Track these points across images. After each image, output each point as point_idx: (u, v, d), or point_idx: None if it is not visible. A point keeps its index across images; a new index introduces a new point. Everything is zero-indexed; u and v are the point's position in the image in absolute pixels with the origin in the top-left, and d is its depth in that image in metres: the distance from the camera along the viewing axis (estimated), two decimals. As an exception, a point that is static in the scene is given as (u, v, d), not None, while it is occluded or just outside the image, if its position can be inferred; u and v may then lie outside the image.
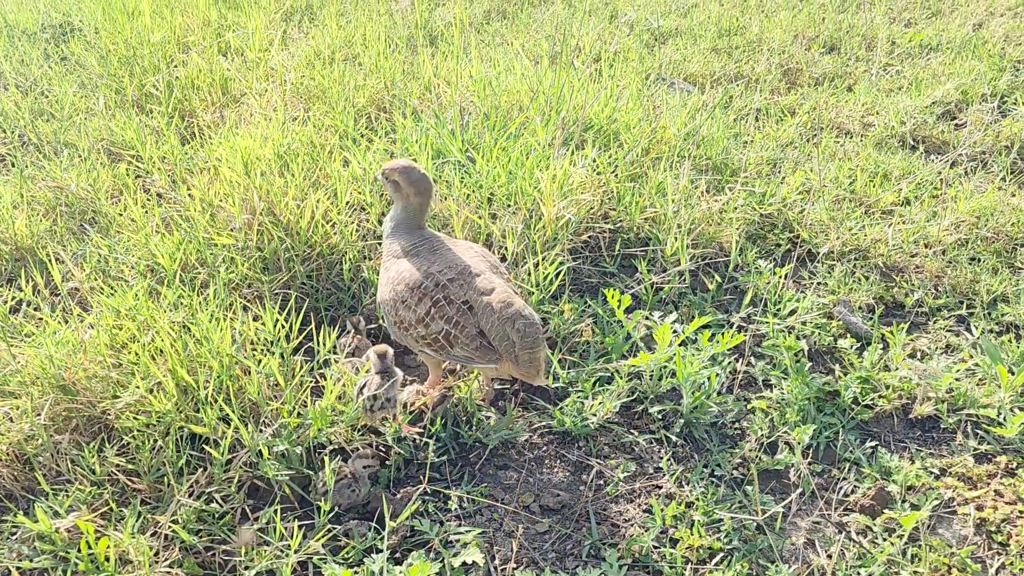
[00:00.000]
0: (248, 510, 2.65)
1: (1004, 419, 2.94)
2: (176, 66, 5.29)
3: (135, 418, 2.68)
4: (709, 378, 3.00)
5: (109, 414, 2.78)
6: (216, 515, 2.59)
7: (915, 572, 2.49)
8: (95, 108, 4.94)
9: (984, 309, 3.59)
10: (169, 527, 2.47)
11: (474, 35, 5.34)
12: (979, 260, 3.85)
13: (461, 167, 3.94)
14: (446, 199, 3.73)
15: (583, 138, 4.17)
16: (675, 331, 3.13)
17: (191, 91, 5.09)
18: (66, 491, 2.57)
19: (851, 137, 5.02)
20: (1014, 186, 4.43)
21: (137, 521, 2.48)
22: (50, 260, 3.31)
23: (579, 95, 4.21)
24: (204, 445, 2.74)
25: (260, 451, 2.67)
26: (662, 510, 2.66)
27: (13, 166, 4.26)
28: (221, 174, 3.66)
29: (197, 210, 3.56)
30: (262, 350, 3.01)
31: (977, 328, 3.44)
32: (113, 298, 2.99)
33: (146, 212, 3.69)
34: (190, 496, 2.60)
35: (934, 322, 3.55)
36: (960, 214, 4.05)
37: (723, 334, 3.02)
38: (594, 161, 3.89)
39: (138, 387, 2.70)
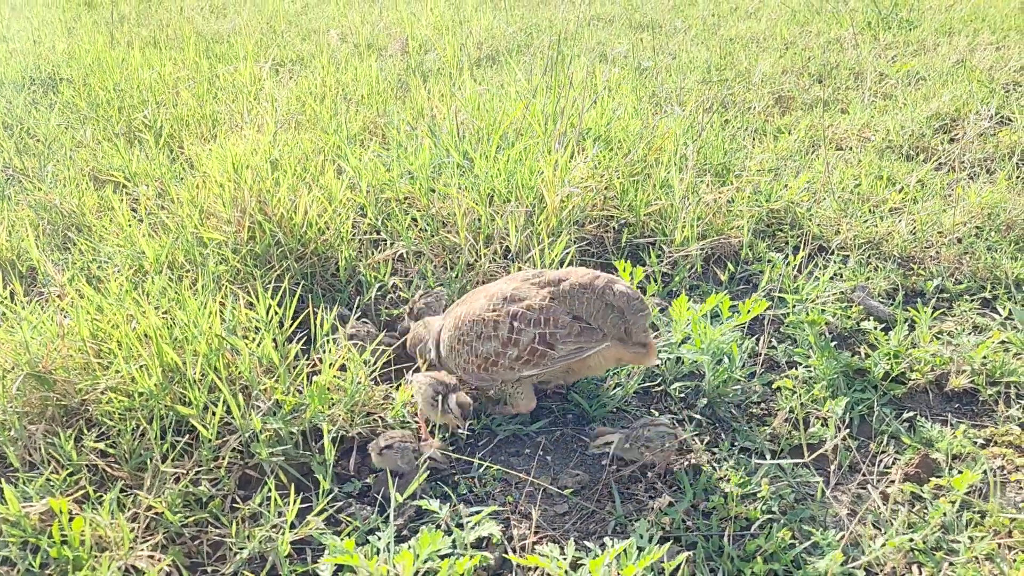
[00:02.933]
0: (239, 499, 2.41)
1: (1047, 386, 2.76)
2: (165, 106, 5.24)
3: (117, 400, 2.46)
4: (732, 351, 2.82)
5: (87, 403, 2.57)
6: (204, 498, 2.35)
7: (971, 537, 2.27)
8: (83, 140, 4.85)
9: (1008, 292, 3.44)
10: (151, 509, 2.23)
11: (467, 71, 5.32)
12: (996, 249, 3.73)
13: (460, 170, 3.83)
14: (447, 199, 3.61)
15: (582, 144, 4.09)
16: (691, 308, 2.97)
17: (180, 126, 5.02)
18: (39, 475, 2.34)
19: (851, 151, 4.96)
20: (1020, 185, 4.35)
21: (116, 504, 2.24)
22: (37, 264, 3.15)
23: (577, 103, 4.15)
24: (190, 432, 2.52)
25: (252, 434, 2.45)
26: (692, 484, 2.44)
27: (-5, 189, 4.14)
28: (211, 178, 3.54)
29: (186, 213, 3.42)
30: (254, 336, 2.82)
31: (1004, 309, 3.29)
32: (96, 294, 2.81)
33: (134, 217, 3.54)
34: (176, 482, 2.37)
35: (958, 306, 3.39)
36: (972, 206, 3.95)
37: (744, 302, 2.85)
38: (595, 157, 3.79)
39: (119, 371, 2.50)
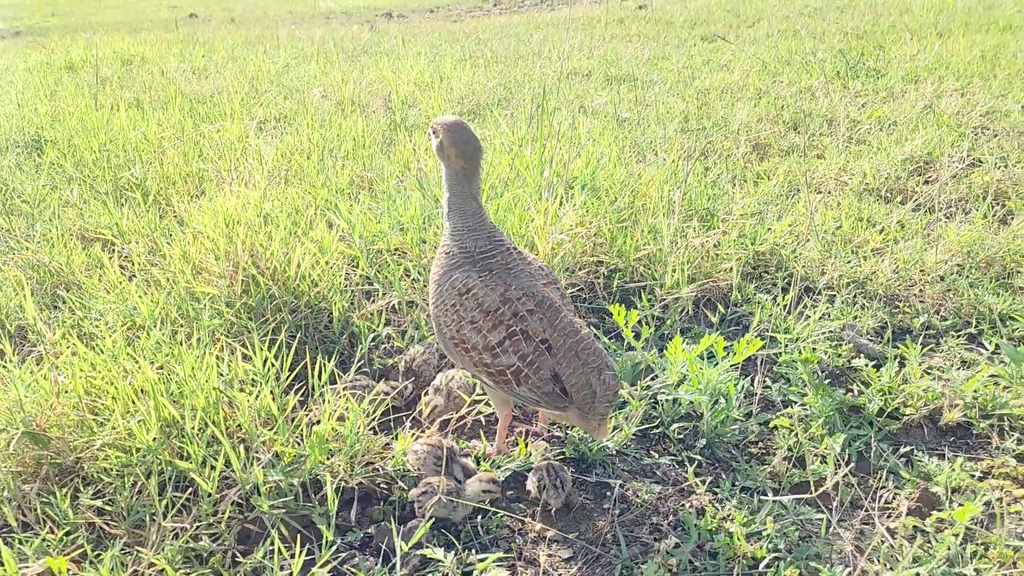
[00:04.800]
0: (240, 554, 2.37)
1: (1038, 417, 2.81)
2: (152, 164, 5.27)
3: (114, 456, 2.43)
4: (728, 390, 2.84)
5: (82, 461, 2.54)
6: (205, 554, 2.31)
7: (977, 569, 2.27)
8: (69, 199, 4.85)
9: (993, 327, 3.51)
10: (153, 566, 2.19)
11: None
12: (978, 285, 3.80)
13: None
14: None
15: (570, 192, 4.15)
16: (686, 349, 3.00)
17: (167, 184, 5.05)
18: (35, 536, 2.29)
19: (830, 194, 5.07)
20: (996, 223, 4.46)
21: (117, 563, 2.20)
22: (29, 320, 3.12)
23: (562, 153, 4.23)
24: (189, 487, 2.49)
25: (252, 487, 2.42)
26: (696, 524, 2.44)
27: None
28: (202, 234, 3.55)
29: (178, 268, 3.42)
30: (251, 389, 2.81)
31: (990, 344, 3.35)
32: (89, 351, 2.79)
33: (124, 274, 3.54)
34: (175, 538, 2.33)
35: (945, 341, 3.45)
36: (951, 245, 4.04)
37: (738, 342, 2.88)
38: (583, 205, 3.85)
39: (115, 427, 2.47)
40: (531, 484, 2.55)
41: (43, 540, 2.27)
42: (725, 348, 3.02)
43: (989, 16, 12.01)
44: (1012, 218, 4.54)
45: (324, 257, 3.51)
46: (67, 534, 2.34)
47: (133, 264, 3.73)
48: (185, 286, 3.28)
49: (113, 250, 4.06)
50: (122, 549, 2.31)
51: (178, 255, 3.47)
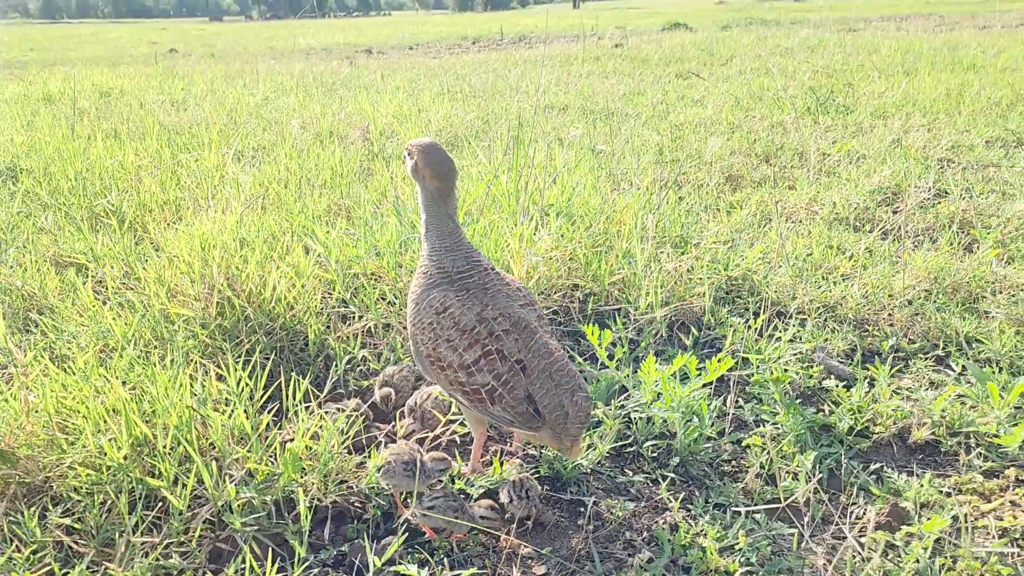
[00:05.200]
0: (211, 573, 2.35)
1: (1002, 435, 2.85)
2: (128, 193, 5.27)
3: (84, 474, 2.41)
4: (701, 408, 2.87)
5: (51, 481, 2.51)
6: (175, 572, 2.29)
7: (947, 582, 2.30)
8: (44, 226, 4.84)
9: (960, 349, 3.57)
10: (120, 583, 2.17)
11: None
12: (944, 310, 3.88)
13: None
14: (413, 273, 3.66)
15: (546, 218, 4.20)
16: (659, 369, 3.03)
17: (143, 212, 5.04)
18: (1, 553, 2.25)
19: (801, 223, 5.17)
20: (961, 250, 4.56)
21: (83, 580, 2.17)
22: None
23: (538, 180, 4.29)
24: (159, 506, 2.47)
25: (224, 505, 2.41)
26: (669, 540, 2.45)
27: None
28: (178, 257, 3.56)
29: (152, 291, 3.41)
30: (224, 408, 2.80)
31: (957, 365, 3.41)
32: (61, 372, 2.77)
33: (98, 298, 3.53)
34: (145, 556, 2.30)
35: (913, 363, 3.51)
36: (919, 271, 4.13)
37: (710, 361, 2.92)
38: (558, 230, 3.90)
39: (85, 445, 2.46)
40: (503, 496, 2.56)
41: (8, 559, 2.24)
42: (698, 368, 3.05)
43: (953, 56, 12.36)
44: (976, 246, 4.64)
45: (300, 280, 3.52)
46: (34, 552, 2.31)
47: (107, 288, 3.71)
48: (160, 308, 3.27)
49: (87, 275, 4.04)
50: (90, 567, 2.28)
51: (153, 278, 3.46)
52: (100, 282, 3.99)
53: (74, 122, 7.96)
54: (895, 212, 5.37)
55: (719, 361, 2.86)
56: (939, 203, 5.35)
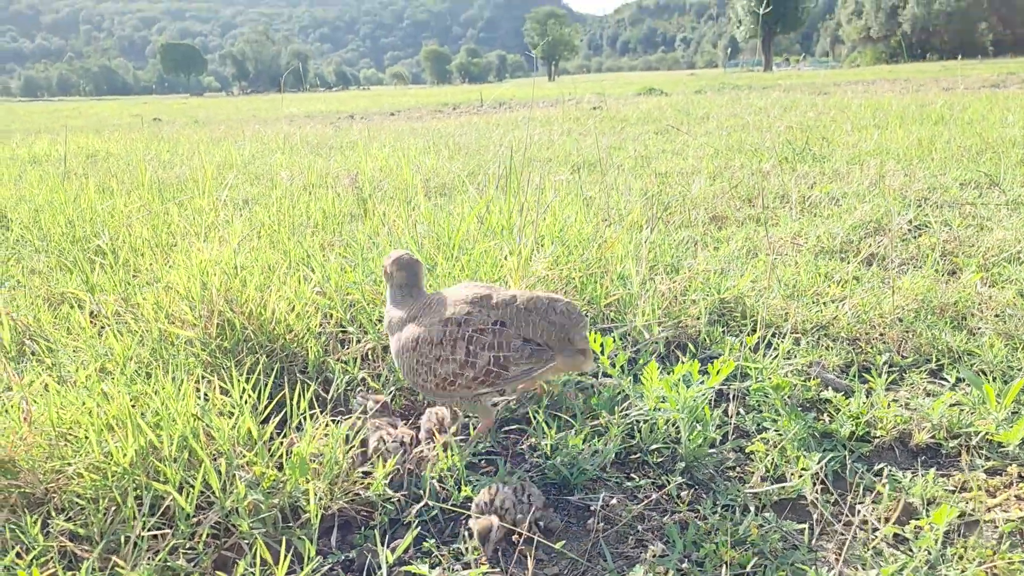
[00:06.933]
0: (216, 578, 2.30)
1: (1001, 432, 2.89)
2: (120, 238, 5.28)
3: (89, 478, 2.37)
4: (705, 412, 2.88)
5: (52, 493, 2.47)
6: (183, 574, 2.24)
7: (960, 570, 2.30)
8: (35, 267, 4.83)
9: (954, 363, 3.63)
10: (127, 583, 2.12)
11: (421, 193, 5.55)
12: (935, 327, 3.95)
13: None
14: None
15: (540, 243, 4.26)
16: (661, 377, 3.05)
17: (135, 255, 5.05)
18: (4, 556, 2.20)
19: (787, 255, 5.27)
20: (946, 275, 4.66)
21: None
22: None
23: (532, 211, 4.36)
24: (163, 515, 2.43)
25: (231, 510, 2.37)
26: (681, 535, 2.44)
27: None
28: (177, 282, 3.56)
29: (151, 315, 3.41)
30: (229, 419, 2.77)
31: (951, 377, 3.46)
32: (62, 388, 2.75)
33: (95, 325, 3.51)
34: (154, 556, 2.26)
35: (908, 376, 3.55)
36: (907, 293, 4.21)
37: (712, 364, 2.95)
38: (553, 254, 3.96)
39: (89, 452, 2.43)
40: (505, 503, 2.53)
41: (11, 564, 2.19)
42: (701, 372, 3.08)
43: (922, 112, 12.80)
44: (959, 273, 4.75)
45: (299, 303, 3.54)
46: (35, 558, 2.26)
47: (103, 317, 3.70)
48: (159, 329, 3.26)
49: (82, 308, 4.02)
50: (95, 572, 2.23)
51: (151, 302, 3.46)
52: (94, 314, 3.97)
53: (63, 178, 8.00)
54: (880, 239, 5.49)
55: (722, 363, 2.89)
56: (920, 235, 5.48)
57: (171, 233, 5.40)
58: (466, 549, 2.41)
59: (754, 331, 3.83)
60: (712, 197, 6.88)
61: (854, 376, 3.50)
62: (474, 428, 3.05)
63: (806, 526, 2.52)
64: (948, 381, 3.45)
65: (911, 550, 2.40)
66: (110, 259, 4.51)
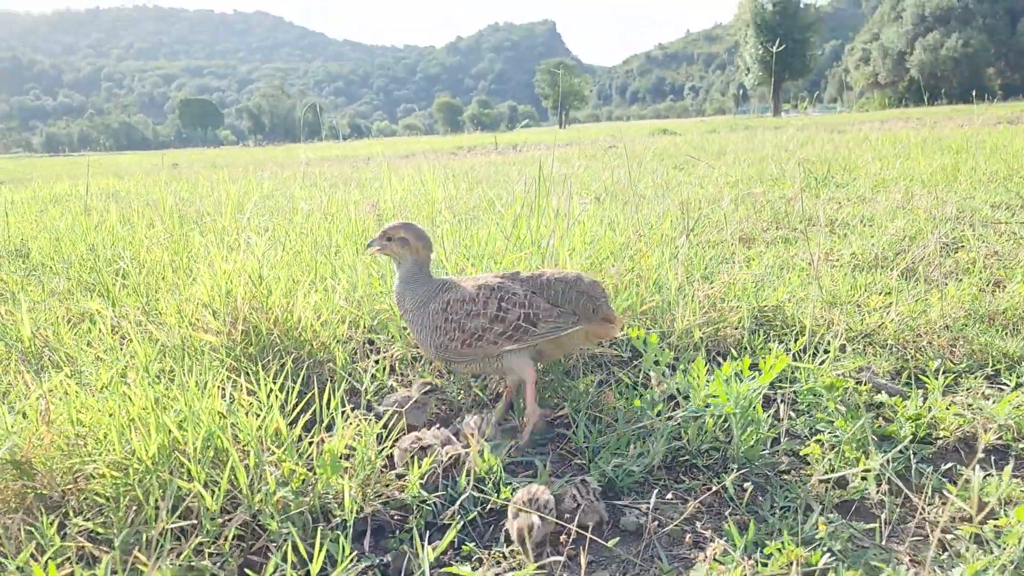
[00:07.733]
0: (244, 582, 2.14)
1: (1077, 431, 2.71)
2: (139, 262, 5.20)
3: (110, 476, 2.23)
4: (757, 411, 2.72)
5: (69, 496, 2.33)
6: (208, 574, 2.08)
7: (1049, 569, 2.11)
8: (55, 288, 4.74)
9: (1011, 368, 3.45)
10: (150, 582, 1.96)
11: (446, 212, 5.46)
12: (986, 334, 3.77)
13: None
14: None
15: (570, 255, 4.14)
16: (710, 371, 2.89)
17: (156, 278, 4.96)
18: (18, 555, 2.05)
19: (823, 269, 5.11)
20: (991, 286, 4.50)
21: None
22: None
23: (559, 226, 4.25)
24: (186, 518, 2.28)
25: (258, 510, 2.22)
26: (741, 534, 2.26)
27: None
28: (199, 291, 3.45)
29: (174, 321, 3.30)
30: (255, 419, 2.63)
31: (1011, 380, 3.28)
32: (82, 391, 2.62)
33: (115, 335, 3.40)
34: (177, 557, 2.10)
35: (964, 381, 3.37)
36: (953, 301, 4.05)
37: (764, 360, 2.79)
38: (587, 258, 3.83)
39: (111, 450, 2.29)
40: (567, 501, 2.37)
41: (24, 563, 2.04)
42: (752, 367, 2.92)
43: (941, 144, 12.69)
44: (1005, 284, 4.58)
45: (327, 310, 3.42)
46: (51, 558, 2.10)
47: (126, 326, 3.59)
48: (182, 334, 3.14)
49: (104, 320, 3.92)
50: (115, 572, 2.08)
51: (174, 310, 3.35)
52: (115, 329, 3.86)
53: (85, 211, 7.98)
54: (918, 251, 5.34)
55: (776, 359, 2.74)
56: (958, 251, 5.33)
57: (192, 257, 5.32)
58: (509, 552, 2.24)
59: (800, 335, 3.67)
60: (738, 220, 6.75)
61: (906, 381, 3.33)
62: (511, 437, 2.90)
63: (874, 526, 2.33)
64: (1008, 384, 3.27)
65: (991, 551, 2.22)
66: (132, 279, 4.42)
